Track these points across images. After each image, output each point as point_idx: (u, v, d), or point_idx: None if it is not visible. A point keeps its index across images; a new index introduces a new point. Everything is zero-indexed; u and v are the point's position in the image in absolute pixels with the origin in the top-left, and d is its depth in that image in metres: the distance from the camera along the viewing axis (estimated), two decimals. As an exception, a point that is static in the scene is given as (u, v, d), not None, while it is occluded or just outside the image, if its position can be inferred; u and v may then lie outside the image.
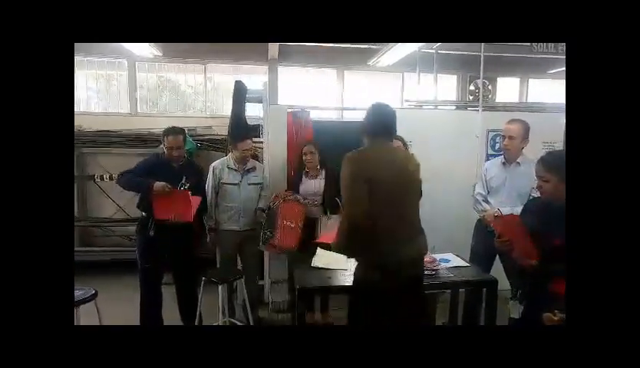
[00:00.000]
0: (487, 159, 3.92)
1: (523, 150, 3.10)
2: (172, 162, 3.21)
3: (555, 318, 1.65)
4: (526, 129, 3.06)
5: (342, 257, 2.93)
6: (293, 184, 3.62)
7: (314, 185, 3.54)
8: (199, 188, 3.28)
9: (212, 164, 3.50)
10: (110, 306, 2.92)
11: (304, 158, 3.51)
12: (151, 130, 5.31)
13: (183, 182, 3.17)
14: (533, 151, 2.97)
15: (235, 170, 3.44)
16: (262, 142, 4.14)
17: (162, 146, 3.27)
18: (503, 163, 3.16)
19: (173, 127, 3.23)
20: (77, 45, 1.34)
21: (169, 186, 2.98)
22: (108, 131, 5.35)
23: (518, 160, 3.09)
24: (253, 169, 3.51)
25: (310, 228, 3.44)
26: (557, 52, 4.41)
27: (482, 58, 4.23)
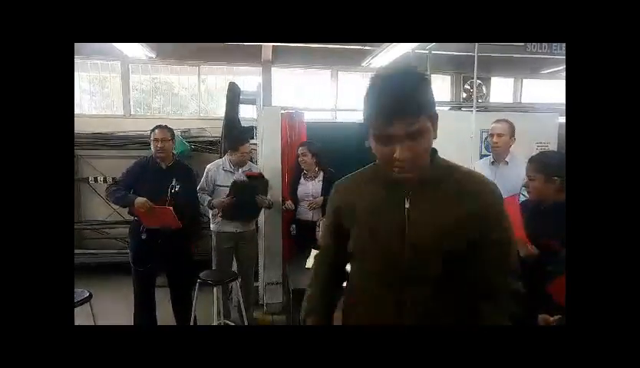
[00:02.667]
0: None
1: (511, 149, 3.11)
2: (160, 163, 3.18)
3: (551, 319, 1.65)
4: (513, 128, 3.08)
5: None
6: (291, 185, 3.61)
7: (311, 186, 3.54)
8: (189, 190, 3.23)
9: (207, 166, 3.49)
10: (104, 308, 2.91)
11: (299, 159, 3.52)
12: (145, 132, 5.27)
13: (173, 184, 3.11)
14: (527, 151, 2.98)
15: (231, 172, 3.43)
16: (256, 144, 4.14)
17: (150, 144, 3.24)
18: (492, 163, 3.17)
19: (160, 124, 3.23)
20: (70, 47, 1.33)
21: (149, 203, 2.93)
22: (102, 133, 5.34)
23: (506, 159, 3.10)
24: (249, 171, 3.50)
25: (309, 230, 3.44)
26: (551, 52, 4.43)
27: (476, 59, 4.24)
